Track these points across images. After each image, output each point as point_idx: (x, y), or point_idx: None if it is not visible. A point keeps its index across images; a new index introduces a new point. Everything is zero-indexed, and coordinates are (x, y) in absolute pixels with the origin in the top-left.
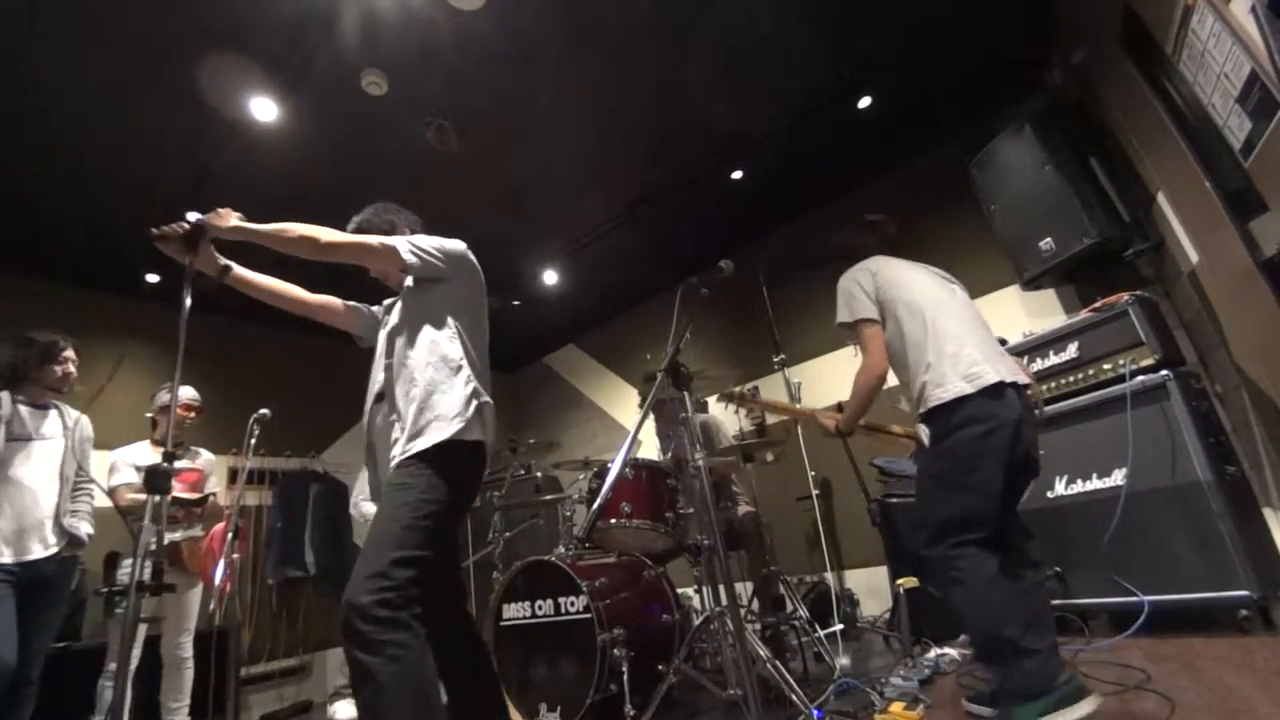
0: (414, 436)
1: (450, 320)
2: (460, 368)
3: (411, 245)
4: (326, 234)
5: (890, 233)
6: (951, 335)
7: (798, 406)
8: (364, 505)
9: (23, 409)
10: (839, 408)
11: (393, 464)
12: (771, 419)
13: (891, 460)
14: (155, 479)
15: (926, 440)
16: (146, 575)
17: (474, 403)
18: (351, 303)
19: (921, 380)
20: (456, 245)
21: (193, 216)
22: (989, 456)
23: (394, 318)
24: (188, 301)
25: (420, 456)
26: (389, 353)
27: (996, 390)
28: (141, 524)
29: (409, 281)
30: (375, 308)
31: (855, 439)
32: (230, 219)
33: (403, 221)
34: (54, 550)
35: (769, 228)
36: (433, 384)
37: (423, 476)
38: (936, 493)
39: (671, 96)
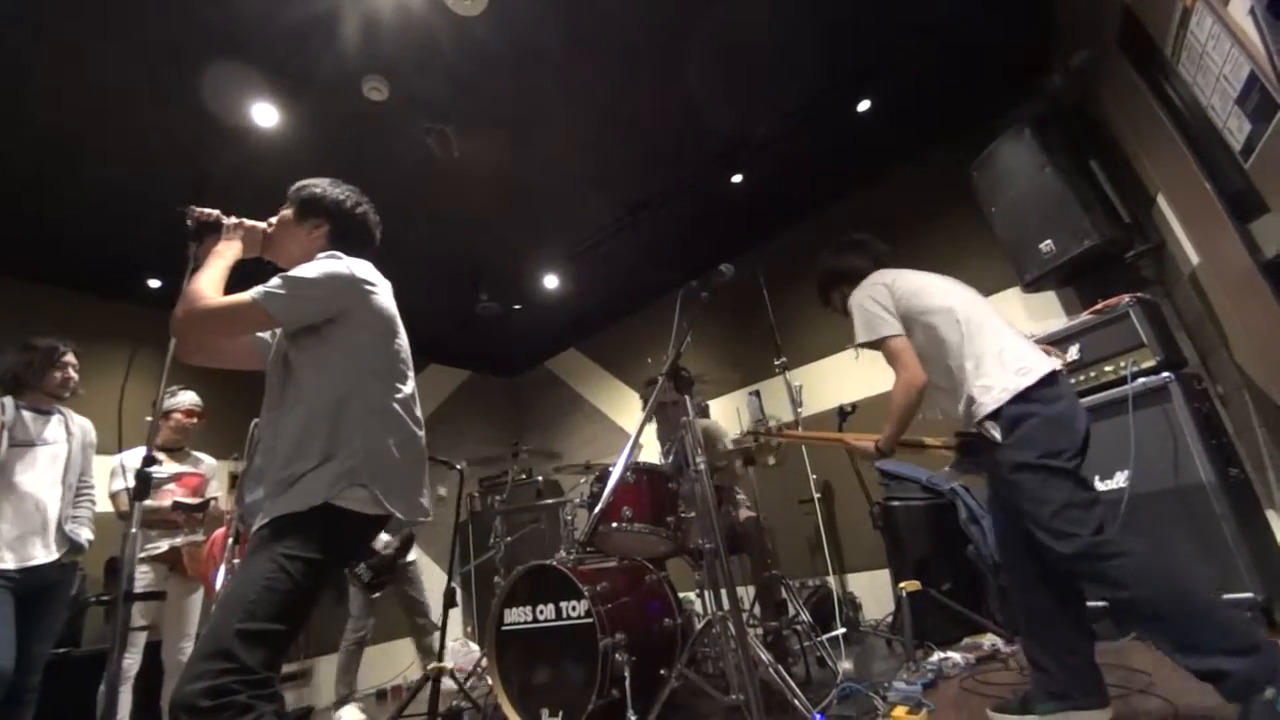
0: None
1: (342, 371)
2: (348, 445)
3: (276, 285)
4: (200, 300)
5: (882, 248)
6: (990, 333)
7: (832, 435)
8: None
9: (25, 414)
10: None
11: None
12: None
13: (893, 464)
14: (137, 485)
15: (998, 435)
16: (145, 585)
17: (342, 485)
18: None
19: (972, 384)
20: (346, 267)
21: (232, 220)
22: (1065, 434)
23: (270, 372)
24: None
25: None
26: (267, 423)
27: (1051, 378)
28: (132, 531)
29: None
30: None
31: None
32: (234, 240)
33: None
34: (56, 556)
35: (769, 231)
36: (303, 463)
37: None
38: (1038, 483)
39: (671, 100)
